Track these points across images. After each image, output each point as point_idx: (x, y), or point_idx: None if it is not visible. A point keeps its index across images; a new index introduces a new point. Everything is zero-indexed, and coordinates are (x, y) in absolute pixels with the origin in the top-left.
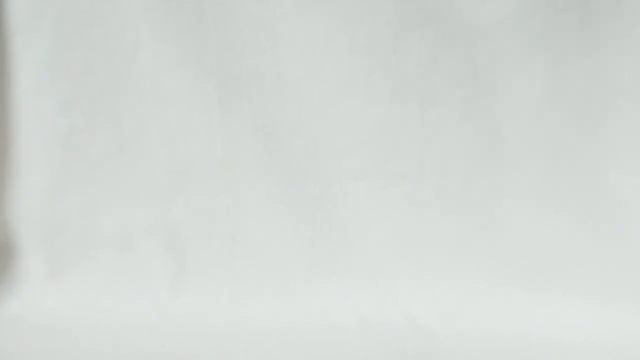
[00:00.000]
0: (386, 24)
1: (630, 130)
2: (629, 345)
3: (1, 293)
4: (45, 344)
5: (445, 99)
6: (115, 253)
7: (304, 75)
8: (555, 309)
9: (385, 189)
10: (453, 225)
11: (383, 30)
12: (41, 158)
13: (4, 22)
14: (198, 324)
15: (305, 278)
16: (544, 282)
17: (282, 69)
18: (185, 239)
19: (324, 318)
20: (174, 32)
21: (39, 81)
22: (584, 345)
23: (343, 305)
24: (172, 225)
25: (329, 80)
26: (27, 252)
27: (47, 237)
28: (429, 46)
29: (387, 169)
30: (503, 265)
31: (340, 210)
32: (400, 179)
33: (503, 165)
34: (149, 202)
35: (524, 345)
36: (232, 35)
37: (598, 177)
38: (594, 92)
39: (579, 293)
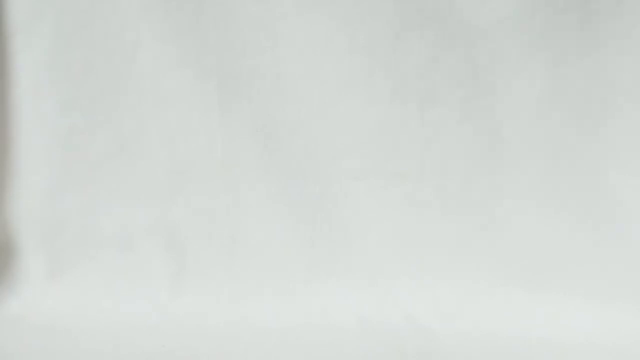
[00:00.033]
0: (386, 24)
1: (630, 130)
2: (629, 345)
3: (1, 293)
4: (45, 344)
5: (445, 99)
6: (115, 253)
7: (304, 75)
8: (555, 309)
9: (385, 189)
10: (453, 225)
11: (383, 30)
12: (41, 158)
13: (4, 22)
14: (198, 324)
15: (305, 278)
16: (544, 282)
17: (282, 69)
18: (185, 239)
19: (324, 318)
20: (174, 32)
21: (39, 81)
22: (584, 345)
23: (343, 305)
24: (172, 225)
25: (329, 80)
26: (27, 252)
27: (47, 237)
28: (429, 46)
29: (387, 169)
30: (503, 265)
31: (340, 210)
32: (400, 179)
33: (503, 165)
34: (149, 202)
35: (524, 345)
36: (232, 35)
37: (598, 177)
38: (594, 92)
39: (579, 293)
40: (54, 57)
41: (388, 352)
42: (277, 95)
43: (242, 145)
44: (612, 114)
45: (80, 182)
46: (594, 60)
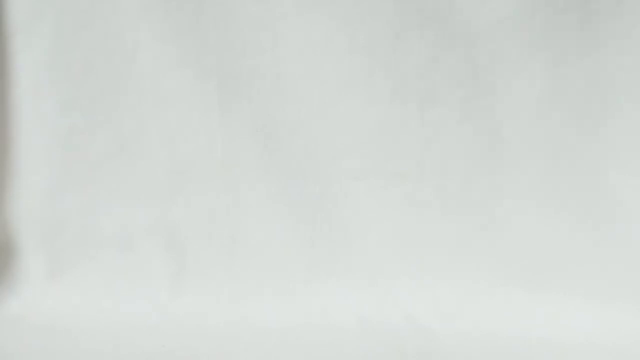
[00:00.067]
0: (386, 24)
1: (630, 130)
2: (629, 345)
3: (1, 293)
4: (45, 344)
5: (445, 99)
6: (115, 253)
7: (304, 75)
8: (555, 309)
9: (385, 189)
10: (453, 225)
11: (383, 30)
12: (41, 158)
13: (4, 22)
14: (198, 324)
15: (305, 278)
16: (544, 282)
17: (282, 69)
18: (185, 239)
19: (324, 318)
20: (174, 32)
21: (39, 81)
22: (584, 345)
23: (343, 305)
24: (172, 225)
25: (329, 80)
26: (27, 252)
27: (47, 237)
28: (429, 46)
29: (387, 169)
30: (503, 265)
31: (340, 210)
32: (400, 179)
33: (503, 165)
34: (149, 202)
35: (524, 345)
36: (232, 35)
37: (598, 177)
38: (594, 92)
39: (579, 293)
40: (54, 57)
41: (388, 352)
42: (277, 95)
43: (242, 145)
44: (612, 114)
45: (80, 182)
46: (594, 60)
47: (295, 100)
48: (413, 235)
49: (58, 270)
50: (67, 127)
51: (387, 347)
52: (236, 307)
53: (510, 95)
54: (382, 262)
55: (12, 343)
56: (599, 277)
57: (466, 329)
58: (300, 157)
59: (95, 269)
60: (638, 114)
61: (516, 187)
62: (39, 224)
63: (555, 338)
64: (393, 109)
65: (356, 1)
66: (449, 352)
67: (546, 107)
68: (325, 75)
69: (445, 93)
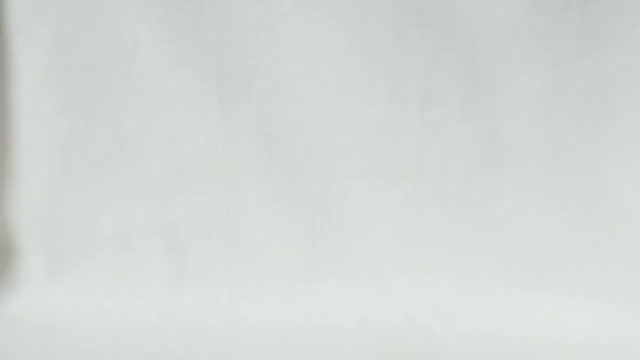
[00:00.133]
0: (386, 24)
1: (630, 130)
2: (629, 345)
3: (1, 293)
4: (45, 344)
5: (445, 99)
6: (115, 253)
7: (304, 75)
8: (555, 309)
9: (385, 189)
10: (453, 225)
11: (383, 30)
12: (41, 158)
13: (4, 22)
14: (198, 324)
15: (305, 278)
16: (544, 282)
17: (282, 69)
18: (185, 239)
19: (324, 318)
20: (174, 32)
21: (39, 81)
22: (584, 345)
23: (343, 305)
24: (172, 225)
25: (329, 80)
26: (27, 252)
27: (47, 237)
28: (429, 46)
29: (387, 169)
30: (503, 265)
31: (340, 210)
32: (400, 179)
33: (503, 165)
34: (149, 202)
35: (524, 345)
36: (232, 35)
37: (598, 177)
38: (594, 92)
39: (579, 293)
40: (54, 57)
41: (388, 352)
42: (277, 95)
43: (242, 145)
44: (612, 114)
45: (80, 182)
46: (594, 60)
47: (295, 100)
48: (413, 235)
49: (58, 270)
50: (67, 127)
51: (387, 347)
52: (236, 307)
53: (510, 95)
54: (382, 262)
55: (12, 343)
56: (599, 277)
57: (466, 329)
58: (300, 157)
59: (95, 269)
60: (638, 114)
61: (516, 187)
62: (39, 224)
63: (555, 338)
64: (393, 109)
65: (356, 1)
66: (449, 352)
67: (546, 107)
68: (325, 75)
69: (445, 93)
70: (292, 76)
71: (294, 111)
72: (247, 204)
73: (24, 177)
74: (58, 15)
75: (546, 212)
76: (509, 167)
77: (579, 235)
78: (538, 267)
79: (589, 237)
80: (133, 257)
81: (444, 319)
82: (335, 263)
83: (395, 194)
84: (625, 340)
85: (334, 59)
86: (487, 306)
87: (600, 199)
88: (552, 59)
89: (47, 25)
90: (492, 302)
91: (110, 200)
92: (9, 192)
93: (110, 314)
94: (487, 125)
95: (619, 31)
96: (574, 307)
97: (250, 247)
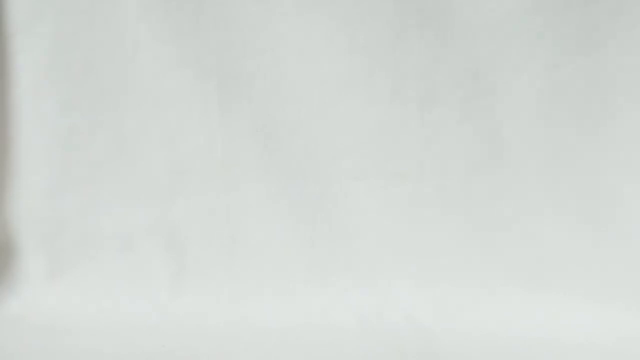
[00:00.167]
0: (386, 24)
1: (630, 130)
2: (629, 345)
3: (1, 293)
4: (45, 344)
5: (445, 99)
6: (115, 253)
7: (304, 75)
8: (555, 309)
9: (385, 189)
10: (453, 225)
11: (383, 30)
12: (41, 158)
13: (4, 22)
14: (198, 324)
15: (305, 278)
16: (544, 282)
17: (282, 69)
18: (185, 239)
19: (324, 318)
20: (174, 32)
21: (39, 81)
22: (584, 345)
23: (343, 305)
24: (172, 225)
25: (329, 80)
26: (27, 252)
27: (47, 237)
28: (429, 46)
29: (387, 169)
30: (503, 265)
31: (340, 210)
32: (400, 179)
33: (503, 165)
34: (149, 202)
35: (524, 345)
36: (232, 35)
37: (598, 177)
38: (594, 92)
39: (579, 293)
40: (54, 57)
41: (388, 352)
42: (277, 95)
43: (242, 145)
44: (612, 114)
45: (80, 182)
46: (594, 60)
47: (295, 100)
48: (413, 235)
49: (58, 270)
50: (67, 127)
51: (387, 347)
52: (236, 307)
53: (510, 95)
54: (382, 262)
55: (12, 343)
56: (599, 277)
57: (466, 329)
58: (300, 157)
59: (95, 269)
60: (638, 114)
61: (516, 187)
62: (39, 224)
63: (555, 338)
64: (393, 109)
65: (356, 1)
66: (449, 352)
67: (546, 107)
68: (325, 75)
69: (445, 93)
70: (292, 76)
71: (294, 111)
72: (247, 204)
73: (24, 177)
74: (58, 15)
75: (546, 212)
76: (509, 167)
77: (579, 235)
78: (538, 267)
79: (589, 237)
80: (133, 257)
81: (444, 319)
82: (335, 263)
83: (395, 194)
84: (625, 340)
85: (334, 59)
86: (487, 306)
87: (600, 199)
88: (552, 59)
89: (47, 25)
90: (492, 302)
91: (110, 200)
92: (9, 192)
93: (110, 314)
94: (487, 125)
95: (619, 31)
96: (574, 307)
97: (250, 247)
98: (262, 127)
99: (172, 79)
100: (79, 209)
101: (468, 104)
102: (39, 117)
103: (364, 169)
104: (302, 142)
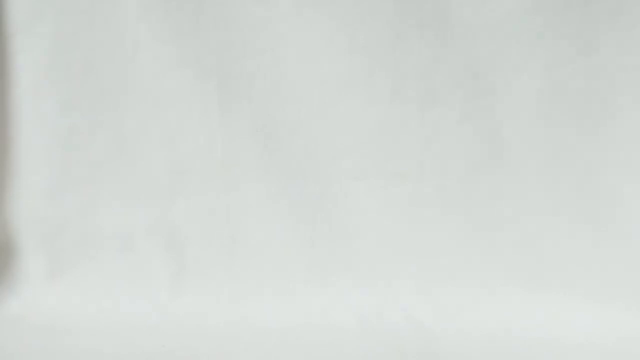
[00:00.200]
0: (386, 24)
1: (630, 130)
2: (629, 345)
3: (1, 293)
4: (45, 344)
5: (445, 99)
6: (115, 253)
7: (304, 75)
8: (555, 309)
9: (385, 189)
10: (453, 225)
11: (383, 30)
12: (41, 158)
13: (4, 22)
14: (198, 324)
15: (305, 278)
16: (544, 282)
17: (282, 69)
18: (185, 239)
19: (324, 318)
20: (174, 32)
21: (39, 81)
22: (584, 345)
23: (343, 305)
24: (172, 225)
25: (329, 80)
26: (27, 252)
27: (47, 237)
28: (429, 46)
29: (387, 169)
30: (503, 265)
31: (340, 210)
32: (400, 179)
33: (503, 165)
34: (149, 202)
35: (524, 345)
36: (232, 36)
37: (598, 177)
38: (594, 92)
39: (579, 293)
40: (54, 57)
41: (388, 352)
42: (277, 95)
43: (242, 145)
44: (612, 114)
45: (80, 182)
46: (594, 60)
47: (295, 100)
48: (413, 235)
49: (58, 270)
50: (67, 127)
51: (387, 347)
52: (236, 307)
53: (510, 95)
54: (382, 262)
55: (12, 343)
56: (599, 277)
57: (466, 329)
58: (300, 157)
59: (95, 269)
60: (638, 114)
61: (516, 187)
62: (39, 224)
63: (555, 338)
64: (393, 109)
65: (356, 1)
66: (449, 352)
67: (546, 107)
68: (325, 75)
69: (445, 93)
70: (292, 76)
71: (294, 111)
72: (247, 204)
73: (24, 177)
74: (58, 15)
75: (546, 212)
76: (509, 167)
77: (579, 235)
78: (538, 267)
79: (589, 237)
80: (133, 257)
81: (444, 319)
82: (335, 263)
83: (395, 194)
84: (625, 340)
85: (334, 59)
86: (487, 306)
87: (600, 199)
88: (552, 59)
89: (47, 25)
90: (492, 302)
91: (110, 200)
92: (9, 192)
93: (110, 314)
94: (487, 125)
95: (619, 31)
96: (574, 307)
97: (250, 247)
98: (262, 127)
99: (172, 79)
100: (79, 209)
101: (468, 104)
102: (39, 117)
103: (364, 169)
104: (302, 142)
